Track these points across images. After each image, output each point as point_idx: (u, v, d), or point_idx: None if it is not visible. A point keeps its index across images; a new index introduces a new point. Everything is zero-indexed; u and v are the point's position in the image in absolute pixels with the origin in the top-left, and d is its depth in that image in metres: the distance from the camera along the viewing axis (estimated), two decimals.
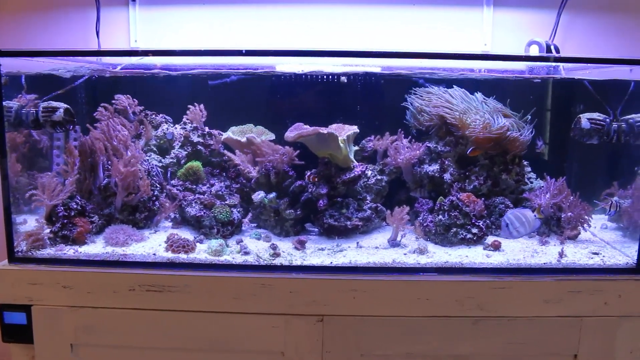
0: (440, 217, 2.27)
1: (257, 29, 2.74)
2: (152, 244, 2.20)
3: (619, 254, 2.17)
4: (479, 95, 2.52)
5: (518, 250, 2.19)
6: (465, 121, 2.41)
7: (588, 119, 2.29)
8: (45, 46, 2.72)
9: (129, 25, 2.76)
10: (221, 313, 1.99)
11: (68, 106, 2.24)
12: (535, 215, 2.19)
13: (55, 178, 2.22)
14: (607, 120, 2.28)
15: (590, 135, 2.30)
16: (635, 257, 2.06)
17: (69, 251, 2.10)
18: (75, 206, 2.20)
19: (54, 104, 2.23)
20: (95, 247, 2.14)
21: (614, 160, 2.60)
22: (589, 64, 2.37)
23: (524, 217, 2.18)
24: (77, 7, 2.74)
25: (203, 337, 2.00)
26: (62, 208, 2.17)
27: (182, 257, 2.09)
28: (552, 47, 2.57)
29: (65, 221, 2.16)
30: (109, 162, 2.33)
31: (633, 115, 2.25)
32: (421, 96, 2.56)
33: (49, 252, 2.10)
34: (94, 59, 2.53)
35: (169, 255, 2.09)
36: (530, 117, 2.45)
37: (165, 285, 1.97)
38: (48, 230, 2.17)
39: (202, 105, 2.66)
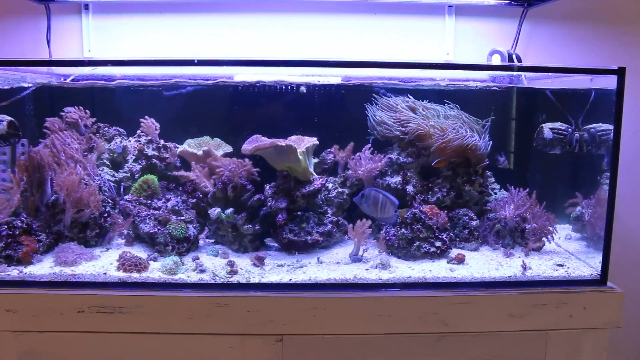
0: (403, 230, 2.21)
1: (215, 39, 2.68)
2: (103, 263, 2.10)
3: (584, 265, 2.14)
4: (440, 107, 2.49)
5: (482, 263, 2.15)
6: (427, 129, 2.37)
7: (550, 128, 2.28)
8: None
9: (82, 34, 2.66)
10: (175, 334, 1.91)
11: (12, 119, 2.14)
12: (396, 212, 2.16)
13: None
14: (569, 129, 2.27)
15: (552, 145, 2.29)
16: (600, 268, 2.03)
17: (13, 272, 1.99)
18: (20, 224, 2.10)
19: None
20: (42, 267, 2.04)
21: (578, 170, 2.59)
22: (550, 74, 2.36)
23: (381, 204, 2.16)
24: (27, 15, 2.63)
25: None
26: (5, 227, 2.06)
27: (135, 276, 2.00)
28: (514, 57, 2.55)
29: (9, 240, 2.05)
30: None
31: (594, 125, 2.24)
32: (382, 106, 2.51)
33: None
34: (44, 69, 2.44)
35: (121, 274, 2.00)
36: (488, 124, 2.42)
37: (116, 307, 1.89)
38: None
39: (152, 119, 2.57)
